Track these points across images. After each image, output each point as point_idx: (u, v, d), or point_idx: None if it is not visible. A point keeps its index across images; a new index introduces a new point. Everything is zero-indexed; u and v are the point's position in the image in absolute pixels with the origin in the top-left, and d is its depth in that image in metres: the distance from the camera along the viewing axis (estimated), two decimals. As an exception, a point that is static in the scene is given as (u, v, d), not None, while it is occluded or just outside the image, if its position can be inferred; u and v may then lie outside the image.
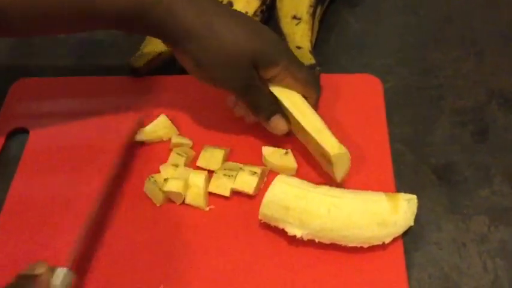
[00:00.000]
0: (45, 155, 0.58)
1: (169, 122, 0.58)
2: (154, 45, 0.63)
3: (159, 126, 0.58)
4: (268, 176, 0.54)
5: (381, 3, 0.71)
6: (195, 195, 0.53)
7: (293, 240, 0.49)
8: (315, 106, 0.54)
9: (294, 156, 0.55)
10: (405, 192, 0.51)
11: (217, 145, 0.56)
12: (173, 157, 0.56)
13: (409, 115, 0.60)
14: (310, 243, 0.49)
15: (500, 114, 0.59)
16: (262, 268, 0.49)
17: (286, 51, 0.52)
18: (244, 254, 0.50)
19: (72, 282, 0.44)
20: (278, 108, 0.53)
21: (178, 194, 0.53)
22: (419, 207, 0.51)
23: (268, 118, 0.53)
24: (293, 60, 0.52)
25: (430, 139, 0.57)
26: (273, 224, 0.50)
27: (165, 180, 0.53)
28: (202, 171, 0.54)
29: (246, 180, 0.52)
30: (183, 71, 0.63)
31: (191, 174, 0.53)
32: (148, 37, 0.65)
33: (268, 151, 0.55)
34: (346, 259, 0.49)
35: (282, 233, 0.49)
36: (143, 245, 0.51)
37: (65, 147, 0.58)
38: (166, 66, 0.65)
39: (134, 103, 0.61)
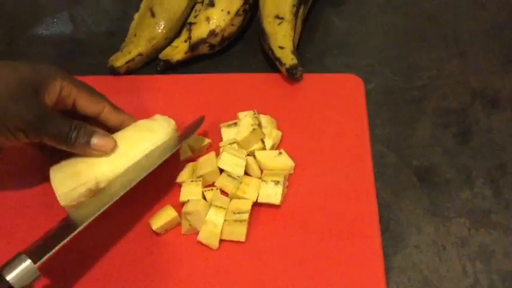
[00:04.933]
0: (23, 152, 0.57)
1: None
2: (135, 45, 0.63)
3: None
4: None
5: (365, 3, 0.71)
6: (210, 234, 0.49)
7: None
8: (115, 110, 0.52)
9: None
10: (386, 194, 0.50)
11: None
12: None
13: (392, 116, 0.59)
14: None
15: (483, 116, 0.59)
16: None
17: (51, 67, 0.49)
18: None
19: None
20: (86, 126, 0.48)
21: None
22: (399, 210, 0.50)
23: (88, 142, 0.48)
24: (66, 74, 0.49)
25: (412, 140, 0.57)
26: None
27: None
28: (222, 209, 0.50)
29: (270, 193, 0.51)
30: (163, 71, 0.63)
31: (211, 210, 0.50)
32: (128, 37, 0.64)
33: (261, 155, 0.53)
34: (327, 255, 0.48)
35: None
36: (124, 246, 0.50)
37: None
38: (146, 66, 0.64)
39: (114, 102, 0.60)
